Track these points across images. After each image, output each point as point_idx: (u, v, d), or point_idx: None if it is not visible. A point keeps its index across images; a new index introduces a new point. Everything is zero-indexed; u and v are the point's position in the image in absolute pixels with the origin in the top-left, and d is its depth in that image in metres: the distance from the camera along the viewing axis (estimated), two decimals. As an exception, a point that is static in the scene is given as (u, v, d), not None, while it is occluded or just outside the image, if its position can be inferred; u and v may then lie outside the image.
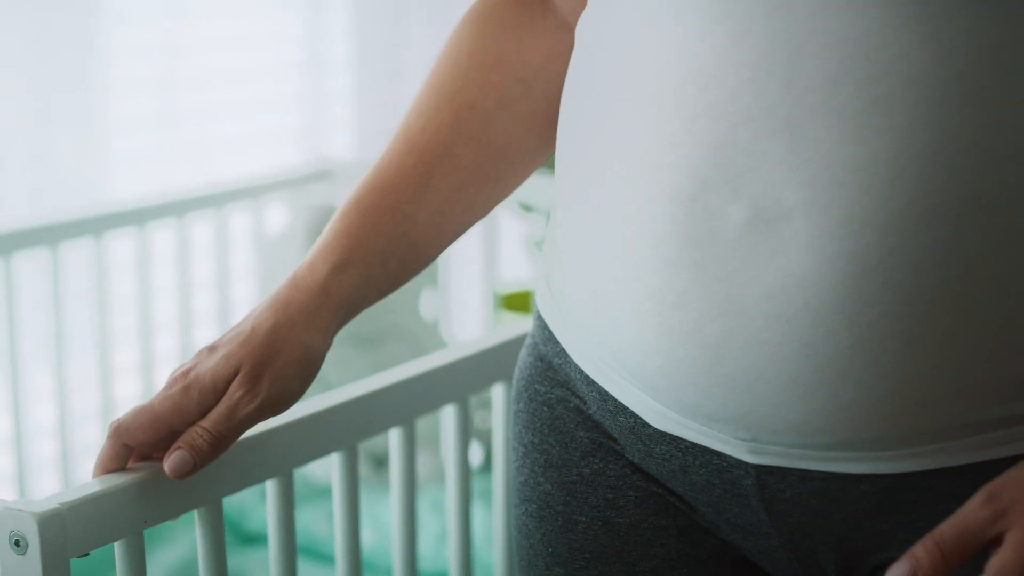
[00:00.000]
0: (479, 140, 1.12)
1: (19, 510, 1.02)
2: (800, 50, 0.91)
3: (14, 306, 2.04)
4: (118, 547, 1.10)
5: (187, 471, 1.03)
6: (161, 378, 2.31)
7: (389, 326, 2.39)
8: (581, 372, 1.09)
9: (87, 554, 1.07)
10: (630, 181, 0.96)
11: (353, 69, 2.96)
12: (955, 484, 0.98)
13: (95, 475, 1.07)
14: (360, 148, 2.94)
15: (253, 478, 1.19)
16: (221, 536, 1.17)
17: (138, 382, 2.27)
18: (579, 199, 1.01)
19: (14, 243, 2.05)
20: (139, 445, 1.06)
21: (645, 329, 0.98)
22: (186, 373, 1.06)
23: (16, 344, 2.04)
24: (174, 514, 1.12)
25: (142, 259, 2.23)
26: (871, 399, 0.94)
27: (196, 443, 1.04)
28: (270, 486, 1.22)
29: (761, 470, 1.01)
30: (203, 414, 1.04)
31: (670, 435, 1.05)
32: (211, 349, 1.07)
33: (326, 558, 2.07)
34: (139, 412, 1.05)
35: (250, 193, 2.42)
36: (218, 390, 1.04)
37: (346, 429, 1.29)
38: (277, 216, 2.59)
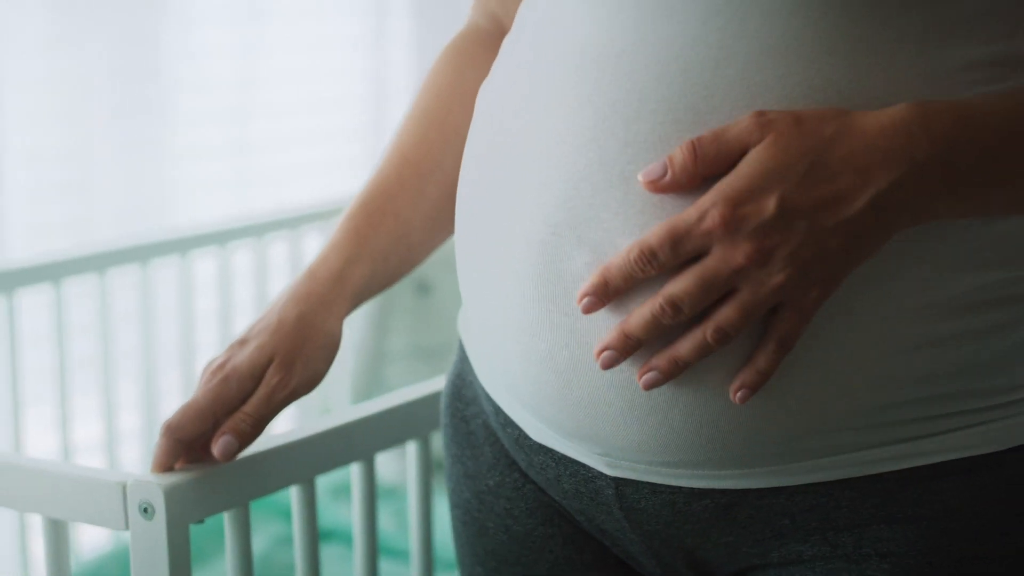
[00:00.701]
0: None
1: (148, 482, 1.19)
2: (637, 113, 0.95)
3: (108, 321, 2.22)
4: (227, 516, 1.27)
5: (233, 453, 1.15)
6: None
7: (449, 342, 2.55)
8: (483, 388, 1.17)
9: (203, 521, 1.23)
10: (501, 226, 1.02)
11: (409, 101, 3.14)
12: (787, 504, 1.02)
13: (154, 472, 1.18)
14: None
15: (340, 461, 1.35)
16: (314, 511, 1.34)
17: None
18: (466, 235, 1.08)
19: (107, 261, 2.23)
20: (190, 438, 1.16)
21: (513, 355, 1.04)
22: (222, 366, 1.17)
23: (109, 353, 2.22)
24: (270, 490, 1.29)
25: (224, 278, 2.41)
26: (698, 424, 0.98)
27: (240, 428, 1.15)
28: (355, 468, 1.39)
29: (619, 482, 1.06)
30: (243, 401, 1.16)
31: (546, 447, 1.11)
32: (242, 342, 1.18)
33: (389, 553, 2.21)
34: (186, 409, 1.16)
35: (322, 216, 2.59)
36: (255, 377, 1.16)
37: (418, 423, 1.45)
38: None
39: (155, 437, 2.29)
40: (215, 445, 1.16)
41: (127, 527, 1.21)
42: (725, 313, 0.92)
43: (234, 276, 2.44)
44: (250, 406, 1.16)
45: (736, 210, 0.91)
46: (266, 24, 2.85)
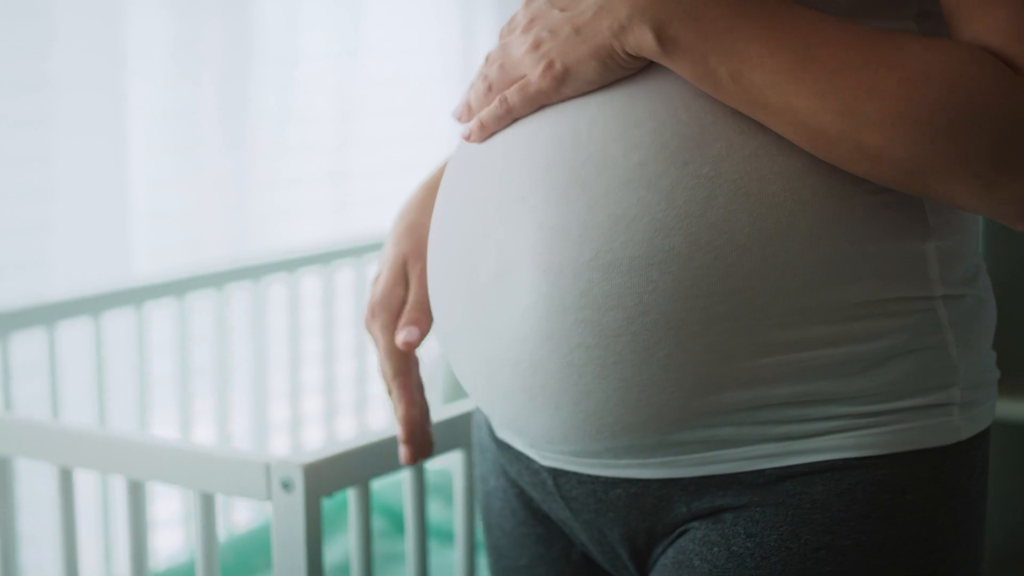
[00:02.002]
0: None
1: (288, 461, 1.42)
2: (534, 141, 1.07)
3: (225, 332, 2.46)
4: (352, 492, 1.49)
5: (416, 341, 1.27)
6: (342, 394, 2.73)
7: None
8: None
9: (332, 495, 1.47)
10: (445, 241, 1.15)
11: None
12: (683, 494, 1.11)
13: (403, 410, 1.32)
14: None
15: (446, 447, 1.57)
16: (423, 491, 1.56)
17: (320, 399, 2.68)
18: (432, 249, 1.19)
19: (224, 278, 2.47)
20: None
21: (455, 349, 1.16)
22: (376, 279, 1.30)
23: (224, 361, 2.45)
24: (387, 471, 1.51)
25: (328, 294, 2.64)
26: (582, 416, 1.07)
27: (411, 316, 1.28)
28: (456, 456, 1.61)
29: (554, 472, 1.16)
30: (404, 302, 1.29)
31: (505, 443, 1.23)
32: (376, 278, 1.32)
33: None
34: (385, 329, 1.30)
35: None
36: (403, 282, 1.29)
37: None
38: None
39: (262, 435, 2.53)
40: (398, 337, 1.27)
41: (270, 498, 1.44)
42: (492, 69, 1.10)
43: (336, 292, 2.67)
44: (411, 297, 1.29)
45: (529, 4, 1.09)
46: (361, 61, 3.08)
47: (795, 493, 1.07)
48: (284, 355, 2.61)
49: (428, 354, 2.87)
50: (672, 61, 1.02)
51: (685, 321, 1.02)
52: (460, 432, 1.57)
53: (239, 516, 2.55)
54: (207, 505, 1.49)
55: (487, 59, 1.12)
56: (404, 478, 1.56)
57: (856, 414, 1.06)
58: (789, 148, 1.03)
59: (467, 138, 1.12)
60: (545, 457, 1.16)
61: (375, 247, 2.73)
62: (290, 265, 2.58)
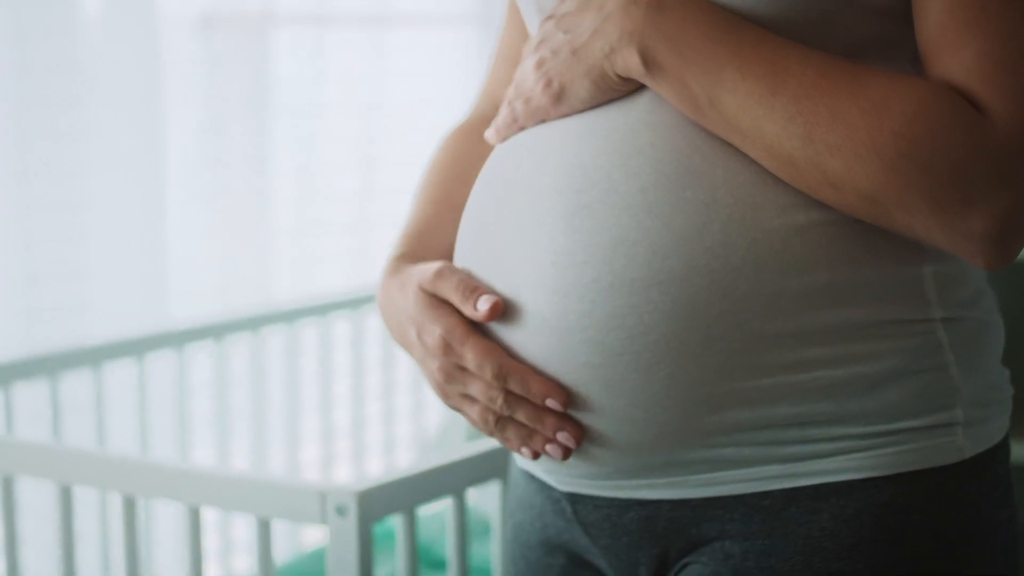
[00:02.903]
0: None
1: (343, 488, 1.52)
2: (542, 169, 1.10)
3: (261, 373, 2.56)
4: (399, 517, 1.60)
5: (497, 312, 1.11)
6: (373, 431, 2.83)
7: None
8: None
9: (381, 520, 1.57)
10: (464, 263, 1.15)
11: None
12: (692, 516, 1.12)
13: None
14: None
15: (484, 478, 1.68)
16: (464, 518, 1.66)
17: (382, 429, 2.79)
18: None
19: (260, 322, 2.58)
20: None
21: None
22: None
23: (260, 401, 2.56)
24: (431, 499, 1.62)
25: (358, 335, 2.76)
26: (591, 434, 1.10)
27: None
28: (494, 486, 1.72)
29: (572, 497, 1.18)
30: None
31: (527, 472, 1.24)
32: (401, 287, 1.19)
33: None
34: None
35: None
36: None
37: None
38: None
39: (294, 471, 2.63)
40: (484, 304, 1.12)
41: (325, 523, 1.54)
42: (510, 88, 1.15)
43: (365, 336, 2.78)
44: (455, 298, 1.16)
45: (546, 20, 1.13)
46: (384, 114, 3.20)
47: (804, 522, 1.08)
48: (315, 396, 2.71)
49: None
50: (656, 83, 1.06)
51: (684, 341, 1.05)
52: (498, 464, 1.68)
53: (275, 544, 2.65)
54: (264, 530, 1.60)
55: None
56: (446, 506, 1.66)
57: (859, 435, 1.07)
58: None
59: (489, 140, 1.18)
60: (562, 482, 1.17)
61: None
62: (321, 310, 2.69)
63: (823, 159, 1.01)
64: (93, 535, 2.24)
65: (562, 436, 1.10)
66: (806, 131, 1.01)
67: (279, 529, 2.59)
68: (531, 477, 1.23)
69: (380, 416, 2.85)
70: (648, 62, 1.05)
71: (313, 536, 2.73)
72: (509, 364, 1.10)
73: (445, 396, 1.16)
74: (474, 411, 1.14)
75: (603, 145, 1.08)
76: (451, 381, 1.14)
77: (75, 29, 2.56)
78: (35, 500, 2.24)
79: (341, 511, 1.53)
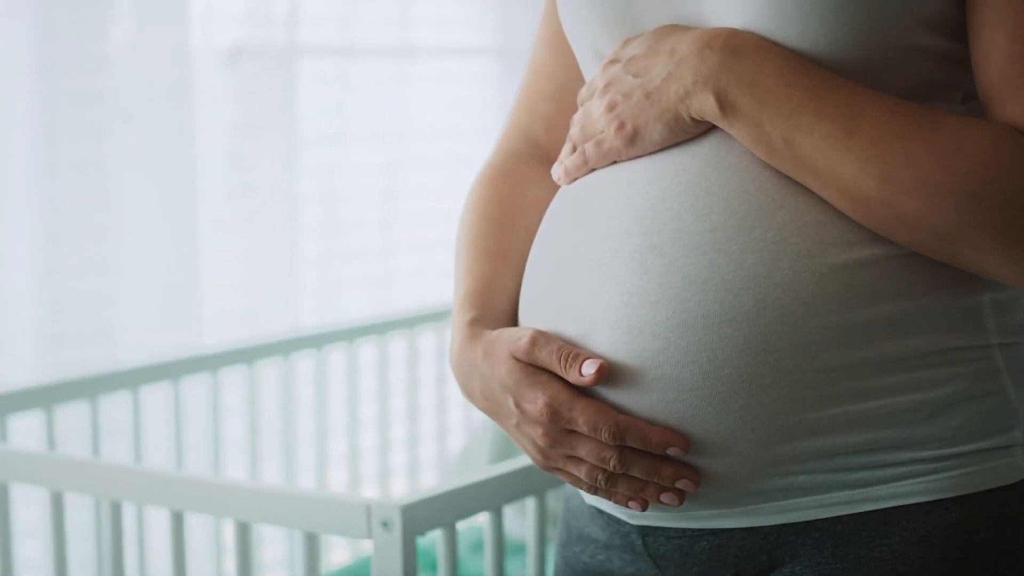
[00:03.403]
0: None
1: (387, 503, 1.58)
2: (612, 212, 1.13)
3: (291, 398, 2.63)
4: (441, 531, 1.65)
5: (604, 374, 1.12)
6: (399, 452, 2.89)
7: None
8: None
9: (424, 534, 1.63)
10: (535, 312, 1.18)
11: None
12: (763, 543, 1.15)
13: None
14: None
15: (520, 495, 1.74)
16: (501, 533, 1.72)
17: (406, 452, 2.85)
18: (522, 312, 1.22)
19: (290, 347, 2.65)
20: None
21: None
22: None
23: (289, 425, 2.62)
24: (471, 514, 1.68)
25: (382, 362, 2.82)
26: None
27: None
28: (529, 502, 1.78)
29: (643, 530, 1.20)
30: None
31: (595, 508, 1.26)
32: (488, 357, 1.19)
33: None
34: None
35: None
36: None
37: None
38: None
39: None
40: (589, 368, 1.13)
41: (370, 537, 1.60)
42: (575, 129, 1.18)
43: (390, 359, 2.85)
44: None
45: (613, 62, 1.16)
46: (407, 144, 3.28)
47: (875, 545, 1.11)
48: (342, 419, 2.78)
49: (475, 420, 3.05)
50: (731, 125, 1.09)
51: (757, 374, 1.08)
52: (534, 481, 1.74)
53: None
54: (311, 544, 1.66)
55: (572, 122, 1.20)
56: (483, 521, 1.72)
57: (924, 459, 1.10)
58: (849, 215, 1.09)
59: (558, 180, 1.21)
60: (634, 516, 1.19)
61: (425, 318, 2.91)
62: (348, 335, 2.75)
63: (898, 199, 1.05)
64: (133, 550, 2.30)
65: (682, 483, 1.12)
66: (882, 172, 1.05)
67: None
68: (597, 512, 1.25)
69: (404, 439, 2.92)
70: (724, 105, 1.08)
71: (340, 556, 2.79)
72: (625, 421, 1.11)
73: (546, 459, 1.17)
74: (581, 471, 1.14)
75: (672, 187, 1.11)
76: (556, 446, 1.14)
77: (105, 60, 2.63)
78: (78, 518, 2.29)
79: (386, 525, 1.58)
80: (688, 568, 1.19)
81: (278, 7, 2.95)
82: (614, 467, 1.12)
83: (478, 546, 2.75)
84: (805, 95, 1.07)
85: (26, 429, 2.32)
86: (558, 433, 1.14)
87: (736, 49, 1.08)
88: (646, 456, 1.12)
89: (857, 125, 1.06)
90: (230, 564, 2.48)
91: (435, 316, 2.94)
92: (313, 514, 1.64)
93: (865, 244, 1.09)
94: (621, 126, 1.13)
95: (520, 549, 2.72)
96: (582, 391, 1.13)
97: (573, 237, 1.17)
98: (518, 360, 1.15)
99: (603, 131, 1.15)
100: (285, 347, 2.63)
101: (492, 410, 1.20)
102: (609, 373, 1.11)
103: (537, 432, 1.15)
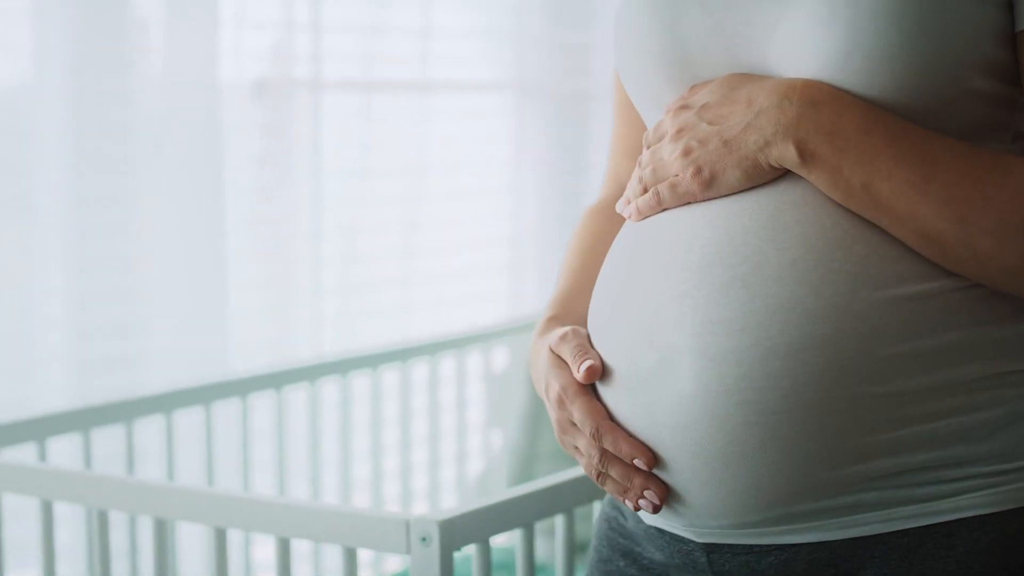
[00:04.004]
0: None
1: (426, 518, 1.65)
2: (691, 246, 1.19)
3: (317, 422, 2.70)
4: (475, 549, 1.72)
5: (593, 375, 1.24)
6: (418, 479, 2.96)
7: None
8: None
9: (460, 548, 1.70)
10: (608, 339, 1.24)
11: (542, 244, 3.67)
12: (831, 557, 1.20)
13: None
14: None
15: (550, 512, 1.80)
16: (532, 548, 1.79)
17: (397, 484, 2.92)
18: (595, 341, 1.28)
19: (317, 372, 2.72)
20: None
21: None
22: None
23: (316, 448, 2.69)
24: (504, 530, 1.75)
25: (404, 388, 2.89)
26: (742, 489, 1.17)
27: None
28: (558, 519, 1.84)
29: (708, 548, 1.24)
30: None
31: (656, 528, 1.29)
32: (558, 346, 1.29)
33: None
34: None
35: (481, 339, 3.08)
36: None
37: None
38: (501, 357, 3.23)
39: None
40: (579, 372, 1.25)
41: (409, 552, 1.67)
42: (647, 170, 1.23)
43: (412, 385, 2.92)
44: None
45: (682, 108, 1.21)
46: (427, 177, 3.36)
47: (940, 556, 1.17)
48: (366, 443, 2.85)
49: (494, 445, 3.12)
50: (809, 172, 1.15)
51: (834, 398, 1.14)
52: (565, 497, 1.81)
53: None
54: (351, 559, 1.73)
55: (640, 163, 1.26)
56: (516, 535, 1.79)
57: (985, 474, 1.17)
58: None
59: (628, 217, 1.26)
60: (702, 534, 1.24)
61: (446, 345, 2.98)
62: (372, 361, 2.82)
63: (974, 240, 1.13)
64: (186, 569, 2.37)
65: (648, 494, 1.21)
66: (959, 215, 1.13)
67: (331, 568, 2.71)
68: (657, 532, 1.30)
69: (425, 463, 2.98)
70: (804, 154, 1.15)
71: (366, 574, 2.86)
72: (604, 425, 1.22)
73: (562, 444, 1.29)
74: (582, 461, 1.26)
75: (751, 223, 1.17)
76: (564, 433, 1.27)
77: (135, 93, 2.71)
78: (116, 535, 2.36)
79: (425, 540, 1.65)
80: None
81: (302, 43, 3.03)
82: (598, 465, 1.23)
83: (497, 567, 2.82)
84: (882, 142, 1.13)
85: (63, 451, 2.39)
86: (566, 422, 1.26)
87: (813, 100, 1.14)
88: (622, 463, 1.22)
89: (933, 170, 1.13)
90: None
91: (455, 343, 3.01)
92: (354, 530, 1.70)
93: (933, 277, 1.16)
94: (698, 171, 1.19)
95: (542, 569, 2.79)
96: (592, 390, 1.25)
97: (648, 270, 1.22)
98: (551, 350, 1.29)
99: (678, 174, 1.20)
100: (312, 372, 2.70)
101: (539, 391, 1.33)
102: (691, 397, 1.17)
103: (553, 417, 1.28)
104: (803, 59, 1.17)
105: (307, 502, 1.78)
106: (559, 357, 1.28)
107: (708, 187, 1.19)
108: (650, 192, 1.23)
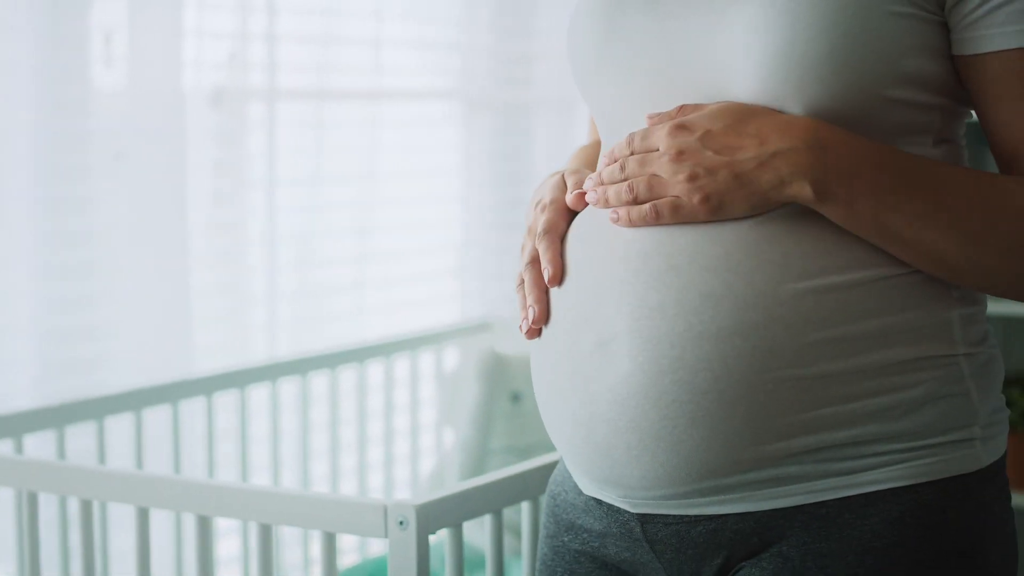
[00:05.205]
0: None
1: (404, 503, 1.74)
2: (632, 237, 1.28)
3: (279, 417, 2.79)
4: (448, 533, 1.82)
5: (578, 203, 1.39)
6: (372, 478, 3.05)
7: (537, 442, 3.11)
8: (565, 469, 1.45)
9: (434, 532, 1.79)
10: (552, 321, 1.35)
11: (489, 249, 3.78)
12: (756, 527, 1.28)
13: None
14: (512, 307, 3.73)
15: (517, 499, 1.90)
16: (500, 533, 1.89)
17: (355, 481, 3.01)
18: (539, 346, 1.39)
19: (278, 372, 2.81)
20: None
21: (557, 417, 1.35)
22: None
23: (278, 443, 2.78)
24: (476, 515, 1.84)
25: (360, 388, 2.98)
26: (674, 463, 1.26)
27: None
28: (524, 506, 1.94)
29: (642, 518, 1.33)
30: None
31: (595, 499, 1.38)
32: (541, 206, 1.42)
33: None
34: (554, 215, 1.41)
35: (434, 340, 3.17)
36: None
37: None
38: (452, 358, 3.32)
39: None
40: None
41: (387, 536, 1.76)
42: (663, 202, 1.26)
43: (369, 385, 3.01)
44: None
45: (680, 129, 1.25)
46: (378, 184, 3.46)
47: (857, 525, 1.26)
48: (326, 441, 2.94)
49: (446, 442, 3.21)
50: (823, 208, 1.23)
51: (762, 380, 1.23)
52: (530, 485, 1.91)
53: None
54: (330, 543, 1.82)
55: (618, 164, 1.30)
56: (485, 521, 1.89)
57: (900, 450, 1.26)
58: (848, 243, 1.25)
59: (594, 204, 1.33)
60: (636, 505, 1.32)
61: (400, 345, 3.07)
62: (330, 361, 2.92)
63: (982, 259, 1.24)
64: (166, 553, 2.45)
65: (531, 309, 1.36)
66: (967, 239, 1.24)
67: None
68: (596, 503, 1.38)
69: (380, 460, 3.08)
70: (820, 193, 1.23)
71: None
72: (552, 235, 1.37)
73: (522, 250, 1.42)
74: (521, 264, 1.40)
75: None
76: (528, 236, 1.41)
77: (96, 102, 2.78)
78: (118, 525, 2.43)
79: (402, 524, 1.74)
80: (684, 551, 1.32)
81: (257, 54, 3.11)
82: (522, 267, 1.39)
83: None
84: (892, 178, 1.23)
85: (37, 447, 2.47)
86: (536, 227, 1.40)
87: (825, 142, 1.23)
88: (536, 271, 1.38)
89: (941, 200, 1.24)
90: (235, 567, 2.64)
91: (409, 344, 3.10)
92: (334, 515, 1.79)
93: (856, 268, 1.25)
94: (706, 199, 1.24)
95: (480, 564, 2.88)
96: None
97: (593, 259, 1.32)
98: (562, 177, 1.43)
99: (680, 196, 1.26)
100: (273, 372, 2.79)
101: (531, 203, 1.46)
102: (628, 376, 1.26)
103: (529, 222, 1.43)
104: (741, 63, 1.26)
105: (290, 490, 1.87)
106: (564, 182, 1.40)
107: (714, 213, 1.25)
108: (648, 206, 1.27)
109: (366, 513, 1.77)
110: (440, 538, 1.93)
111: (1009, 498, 1.35)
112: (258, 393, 2.82)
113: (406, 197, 3.54)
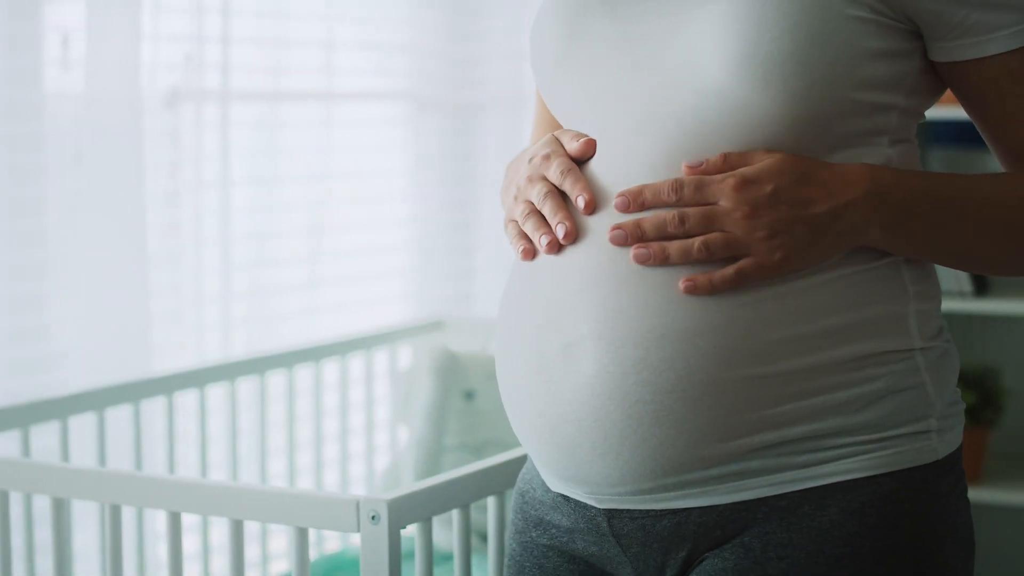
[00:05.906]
0: None
1: (375, 498, 1.78)
2: (599, 244, 1.30)
3: (234, 419, 2.82)
4: (417, 527, 1.85)
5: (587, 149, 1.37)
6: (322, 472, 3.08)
7: (490, 439, 3.15)
8: (533, 466, 1.48)
9: (404, 527, 1.83)
10: (516, 322, 1.37)
11: (440, 248, 3.82)
12: (719, 520, 1.32)
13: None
14: (465, 306, 3.78)
15: (485, 494, 1.94)
16: (468, 529, 1.93)
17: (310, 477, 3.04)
18: (502, 331, 1.41)
19: (236, 371, 2.84)
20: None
21: (524, 416, 1.37)
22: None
23: (235, 441, 2.81)
24: (445, 510, 1.89)
25: (316, 386, 3.02)
26: (638, 460, 1.29)
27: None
28: (490, 500, 1.98)
29: (609, 513, 1.35)
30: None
31: (562, 495, 1.41)
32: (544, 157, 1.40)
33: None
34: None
35: (388, 339, 3.21)
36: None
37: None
38: (406, 356, 3.35)
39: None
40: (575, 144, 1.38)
41: (358, 530, 1.80)
42: (714, 236, 1.27)
43: (325, 383, 3.05)
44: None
45: (746, 183, 1.26)
46: (331, 183, 3.49)
47: (816, 516, 1.29)
48: (283, 439, 2.97)
49: (400, 440, 3.25)
50: (884, 244, 1.30)
51: (723, 379, 1.27)
52: (494, 482, 1.95)
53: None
54: (302, 539, 1.85)
55: (680, 218, 1.28)
56: (453, 515, 1.93)
57: (858, 443, 1.29)
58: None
59: (637, 258, 1.30)
60: (602, 501, 1.35)
61: (355, 344, 3.11)
62: (287, 360, 2.95)
63: (999, 257, 1.34)
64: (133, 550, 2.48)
65: (561, 226, 1.32)
66: (1008, 239, 1.32)
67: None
68: (564, 499, 1.41)
69: (336, 457, 3.11)
70: (886, 232, 1.30)
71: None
72: (576, 172, 1.34)
73: (503, 202, 1.43)
74: (517, 210, 1.38)
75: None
76: (529, 182, 1.37)
77: (53, 103, 2.80)
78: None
79: (374, 518, 1.78)
80: (649, 545, 1.35)
81: (211, 55, 3.13)
82: (538, 199, 1.37)
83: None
84: (938, 204, 1.31)
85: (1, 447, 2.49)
86: (537, 175, 1.38)
87: (882, 187, 1.30)
88: (556, 199, 1.35)
89: (969, 212, 1.31)
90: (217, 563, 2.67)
91: (363, 343, 3.14)
92: (306, 510, 1.83)
93: (814, 268, 1.29)
94: (787, 257, 1.27)
95: (446, 558, 2.92)
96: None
97: (555, 268, 1.34)
98: (553, 136, 1.40)
99: (759, 251, 1.27)
100: (231, 371, 2.82)
101: (511, 169, 1.44)
102: (593, 377, 1.29)
103: (526, 172, 1.40)
104: (706, 63, 1.28)
105: (261, 486, 1.90)
106: (558, 140, 1.38)
107: (791, 270, 1.29)
108: (732, 270, 1.27)
109: (338, 508, 1.81)
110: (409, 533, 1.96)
111: (965, 489, 1.38)
112: (215, 392, 2.84)
113: (359, 197, 3.57)
